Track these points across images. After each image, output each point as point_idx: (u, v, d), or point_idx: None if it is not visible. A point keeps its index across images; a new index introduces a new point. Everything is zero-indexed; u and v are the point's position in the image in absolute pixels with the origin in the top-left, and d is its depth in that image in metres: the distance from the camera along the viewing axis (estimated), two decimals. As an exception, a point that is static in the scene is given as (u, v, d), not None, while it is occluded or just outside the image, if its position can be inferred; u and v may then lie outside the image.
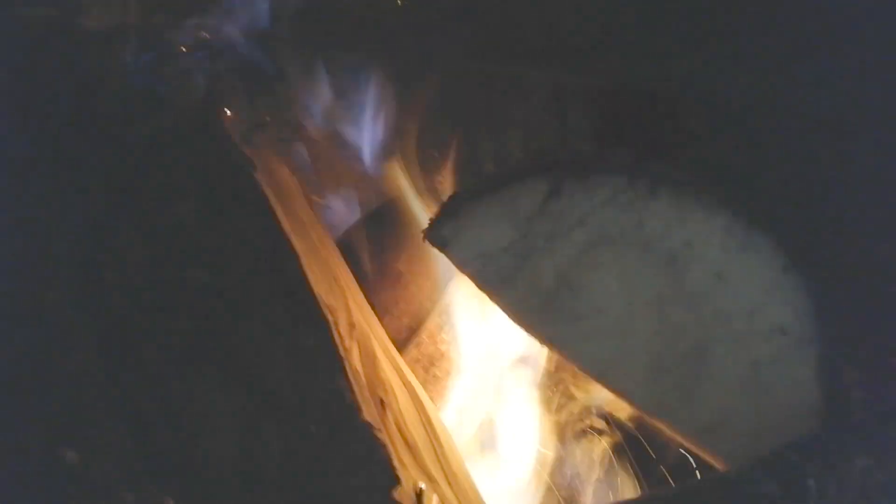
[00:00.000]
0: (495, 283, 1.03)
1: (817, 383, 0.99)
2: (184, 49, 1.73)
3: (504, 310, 1.05)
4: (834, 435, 0.88)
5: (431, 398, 1.64)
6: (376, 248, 1.79)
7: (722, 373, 1.00)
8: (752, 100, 1.07)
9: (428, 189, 1.55)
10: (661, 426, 1.04)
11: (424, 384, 1.67)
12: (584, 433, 1.70)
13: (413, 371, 1.65)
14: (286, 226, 1.37)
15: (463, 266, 1.02)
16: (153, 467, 1.09)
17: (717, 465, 1.03)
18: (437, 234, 1.01)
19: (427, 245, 1.62)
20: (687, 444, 1.04)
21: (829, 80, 1.10)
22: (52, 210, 1.27)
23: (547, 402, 1.69)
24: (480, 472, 1.59)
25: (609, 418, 1.66)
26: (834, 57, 1.10)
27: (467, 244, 1.02)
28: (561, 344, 1.04)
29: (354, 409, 1.17)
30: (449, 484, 1.46)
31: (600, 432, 1.67)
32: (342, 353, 1.22)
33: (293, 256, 1.29)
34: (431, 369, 1.73)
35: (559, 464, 1.65)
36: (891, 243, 1.03)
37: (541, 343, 1.04)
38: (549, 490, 1.63)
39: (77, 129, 1.35)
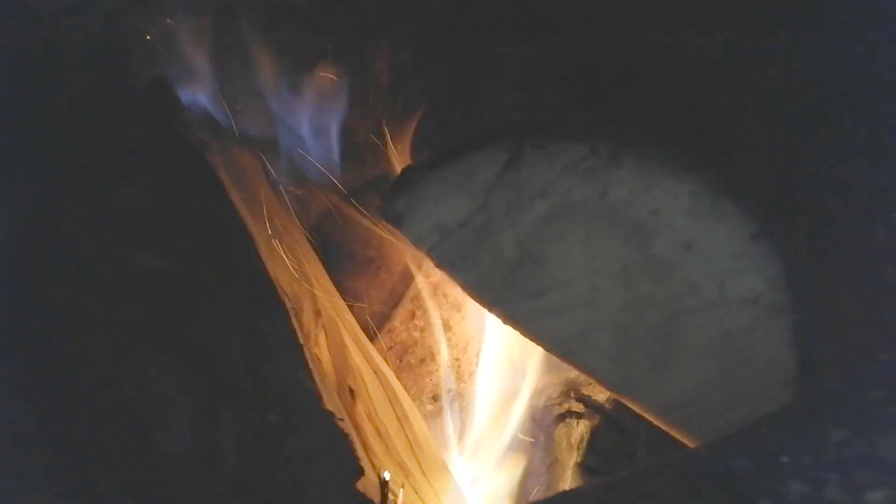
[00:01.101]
0: (454, 260, 0.98)
1: (791, 354, 0.95)
2: (147, 37, 1.69)
3: (464, 287, 1.00)
4: (808, 407, 0.84)
5: (405, 386, 1.60)
6: (346, 234, 1.74)
7: (693, 345, 0.96)
8: (720, 64, 1.03)
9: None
10: (630, 403, 1.00)
11: (397, 372, 1.63)
12: (562, 417, 1.66)
13: (385, 359, 1.61)
14: (243, 211, 1.32)
15: (419, 243, 0.97)
16: (102, 460, 1.04)
17: (689, 442, 0.99)
18: (391, 210, 0.96)
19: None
20: (657, 422, 1.00)
21: (805, 45, 1.06)
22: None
23: (525, 387, 1.65)
24: (456, 461, 1.56)
25: (588, 401, 1.63)
26: (810, 23, 1.06)
27: (423, 219, 0.97)
28: (524, 321, 0.99)
29: (315, 397, 1.12)
30: (423, 473, 1.42)
31: (579, 416, 1.63)
32: (301, 339, 1.17)
33: (249, 241, 1.24)
34: (405, 357, 1.69)
35: (538, 449, 1.61)
36: (864, 210, 1.00)
37: (503, 322, 0.99)
38: (527, 476, 1.59)
39: (21, 107, 1.30)
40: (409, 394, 1.59)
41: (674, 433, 0.99)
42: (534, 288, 0.98)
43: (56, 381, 1.08)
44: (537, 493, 1.61)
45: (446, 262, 0.98)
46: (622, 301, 0.97)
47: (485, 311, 1.58)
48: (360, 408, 1.41)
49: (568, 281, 0.98)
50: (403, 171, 0.98)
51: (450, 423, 1.65)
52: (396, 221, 0.97)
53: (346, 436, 1.09)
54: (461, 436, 1.64)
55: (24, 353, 1.09)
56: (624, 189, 0.95)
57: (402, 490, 1.17)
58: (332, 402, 1.14)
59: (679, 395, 0.97)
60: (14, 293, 1.13)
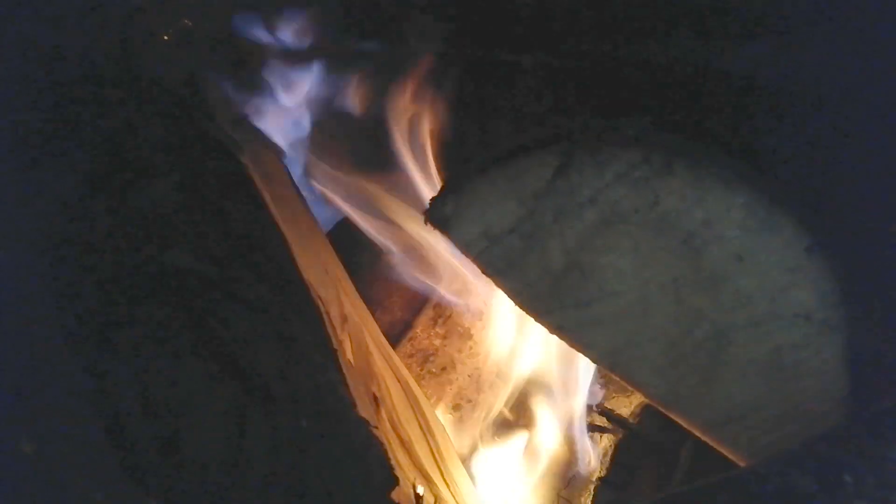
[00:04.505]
0: (501, 267, 0.96)
1: (843, 372, 0.93)
2: (165, 37, 1.67)
3: (510, 296, 0.98)
4: (866, 426, 0.82)
5: (426, 394, 1.58)
6: (368, 239, 1.72)
7: (742, 360, 0.94)
8: (775, 73, 1.02)
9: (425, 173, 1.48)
10: (677, 418, 0.98)
11: (418, 380, 1.61)
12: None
13: (407, 366, 1.59)
14: (274, 211, 1.29)
15: (466, 248, 0.95)
16: (131, 464, 1.01)
17: (735, 458, 0.97)
18: (439, 213, 0.94)
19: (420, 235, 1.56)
20: (704, 437, 0.97)
21: (863, 57, 1.04)
22: (21, 191, 1.19)
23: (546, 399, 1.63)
24: (479, 471, 1.53)
25: (611, 415, 1.61)
26: (866, 33, 1.04)
27: (470, 224, 0.95)
28: (570, 331, 0.97)
29: (348, 403, 1.09)
30: (446, 483, 1.39)
31: (602, 430, 1.62)
32: (335, 344, 1.15)
33: (282, 241, 1.21)
34: (426, 364, 1.67)
35: (560, 462, 1.59)
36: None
37: (549, 331, 0.97)
38: (549, 489, 1.57)
39: (48, 107, 1.28)
40: (430, 402, 1.57)
41: (721, 449, 0.97)
42: (581, 298, 0.96)
43: (80, 382, 1.05)
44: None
45: (493, 270, 0.96)
46: (671, 313, 0.95)
47: (506, 319, 1.57)
48: (383, 415, 1.39)
49: (616, 291, 0.96)
50: (452, 173, 0.96)
51: (470, 433, 1.63)
52: (443, 226, 0.95)
53: (380, 444, 1.06)
54: (482, 446, 1.62)
55: (48, 352, 1.06)
56: (676, 199, 0.93)
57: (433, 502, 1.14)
58: (365, 409, 1.12)
59: (727, 410, 0.95)
60: (40, 291, 1.10)
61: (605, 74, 1.18)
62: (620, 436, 1.58)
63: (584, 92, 1.18)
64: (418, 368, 1.66)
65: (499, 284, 0.97)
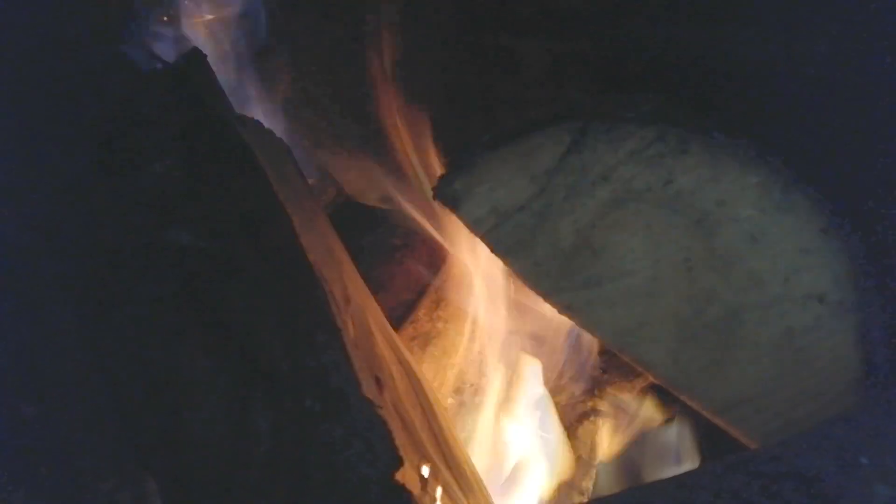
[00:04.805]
0: (510, 245, 0.94)
1: (855, 354, 0.92)
2: (165, 18, 1.65)
3: (519, 275, 0.96)
4: (881, 409, 0.81)
5: (428, 378, 1.57)
6: (370, 221, 1.71)
7: (754, 342, 0.93)
8: (790, 51, 1.00)
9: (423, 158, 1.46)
10: (687, 400, 0.97)
11: (420, 363, 1.60)
12: (586, 415, 1.64)
13: (409, 349, 1.57)
14: (278, 189, 1.27)
15: (476, 226, 0.93)
16: (131, 444, 1.00)
17: (746, 441, 0.96)
18: (448, 191, 0.92)
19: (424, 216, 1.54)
20: (714, 419, 0.96)
21: (880, 37, 1.02)
22: (22, 168, 1.17)
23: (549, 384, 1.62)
24: (480, 456, 1.52)
25: (612, 400, 1.60)
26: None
27: (480, 201, 0.93)
28: (580, 311, 0.95)
29: (353, 383, 1.08)
30: (448, 468, 1.38)
31: (604, 415, 1.61)
32: (339, 323, 1.13)
33: (286, 220, 1.19)
34: (428, 348, 1.65)
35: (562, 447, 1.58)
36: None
37: (558, 311, 0.96)
38: (548, 472, 1.56)
39: (50, 89, 1.25)
40: (432, 386, 1.56)
41: (731, 432, 0.96)
42: (591, 277, 0.94)
43: (83, 360, 1.04)
44: (559, 490, 1.58)
45: (502, 248, 0.94)
46: (683, 294, 0.94)
47: (509, 301, 1.56)
48: (386, 398, 1.37)
49: (627, 271, 0.94)
50: (462, 149, 0.94)
51: (471, 416, 1.62)
52: (452, 203, 0.93)
53: (385, 424, 1.05)
54: (482, 429, 1.61)
55: (50, 332, 1.05)
56: (690, 178, 0.92)
57: (439, 487, 1.13)
58: (370, 390, 1.10)
59: (738, 392, 0.94)
60: (42, 270, 1.09)
61: (613, 57, 1.15)
62: (622, 421, 1.57)
63: (594, 71, 1.16)
64: (420, 352, 1.64)
65: (507, 263, 0.96)
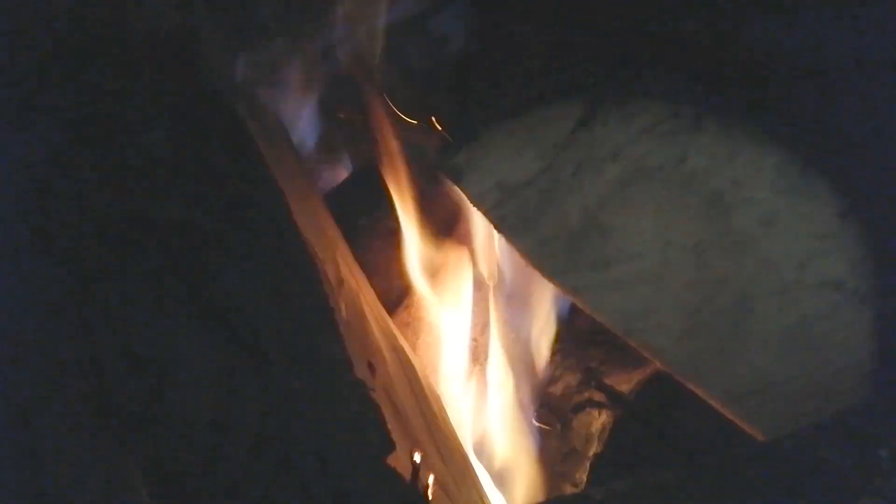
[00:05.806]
0: (514, 222, 0.90)
1: (870, 345, 0.89)
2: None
3: (523, 254, 0.92)
4: (897, 400, 0.78)
5: (422, 364, 1.53)
6: (367, 203, 1.66)
7: (766, 330, 0.90)
8: (810, 32, 0.96)
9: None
10: (695, 389, 0.93)
11: (414, 349, 1.56)
12: (581, 406, 1.61)
13: (403, 335, 1.53)
14: (272, 166, 1.23)
15: (479, 201, 0.89)
16: (113, 423, 0.95)
17: (755, 433, 0.92)
18: (451, 163, 0.88)
19: (422, 199, 1.50)
20: (723, 410, 0.93)
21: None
22: (7, 140, 1.12)
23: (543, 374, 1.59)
24: (473, 445, 1.49)
25: (610, 391, 1.57)
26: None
27: (484, 175, 0.89)
28: (586, 294, 0.92)
29: (344, 364, 1.03)
30: (440, 456, 1.34)
31: (600, 406, 1.57)
32: (332, 303, 1.09)
33: (279, 195, 1.15)
34: (422, 334, 1.62)
35: (553, 438, 1.55)
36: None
37: (563, 293, 0.92)
38: (542, 464, 1.53)
39: (37, 57, 1.20)
40: (425, 372, 1.52)
41: (740, 423, 0.92)
42: (598, 259, 0.91)
43: (65, 335, 0.99)
44: (553, 481, 1.55)
45: (506, 225, 0.90)
46: (693, 278, 0.90)
47: (503, 290, 1.52)
48: (378, 383, 1.33)
49: (636, 253, 0.90)
50: (467, 120, 0.90)
51: (464, 405, 1.58)
52: (456, 176, 0.88)
53: (376, 407, 1.01)
54: (476, 418, 1.57)
55: (34, 306, 1.00)
56: (704, 157, 0.88)
57: (431, 475, 1.09)
58: (361, 372, 1.06)
59: (749, 382, 0.90)
60: (25, 242, 1.04)
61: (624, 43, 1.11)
62: (619, 413, 1.54)
63: (605, 48, 1.12)
64: (414, 338, 1.60)
65: (511, 241, 0.92)
